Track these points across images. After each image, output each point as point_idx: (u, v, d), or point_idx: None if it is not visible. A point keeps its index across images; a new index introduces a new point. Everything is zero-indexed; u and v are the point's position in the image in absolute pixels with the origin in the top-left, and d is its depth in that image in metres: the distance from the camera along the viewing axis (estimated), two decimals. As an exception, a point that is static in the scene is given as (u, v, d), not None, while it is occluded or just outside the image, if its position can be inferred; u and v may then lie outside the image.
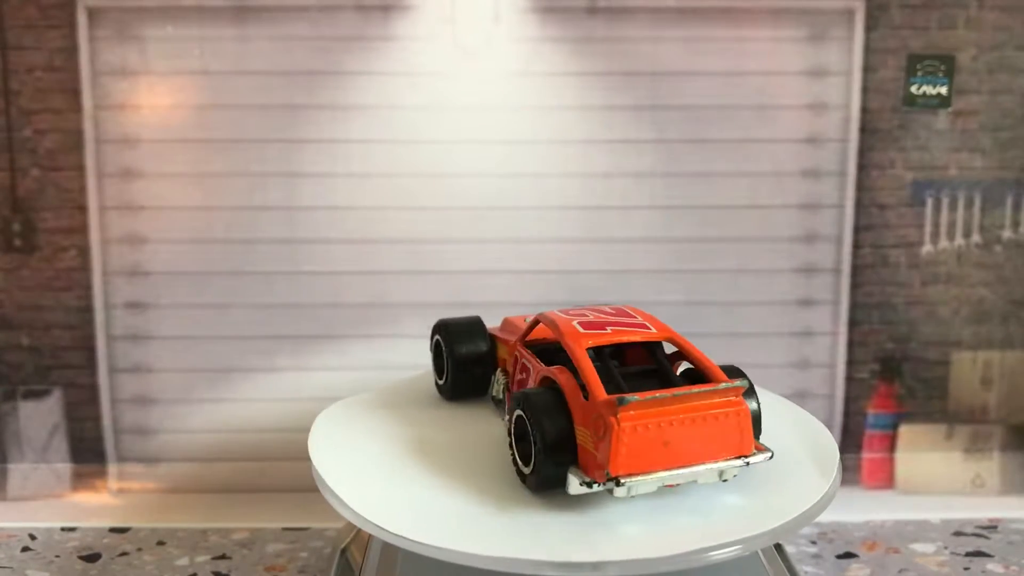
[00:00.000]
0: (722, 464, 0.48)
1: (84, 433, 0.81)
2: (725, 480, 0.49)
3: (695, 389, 0.48)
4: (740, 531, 0.46)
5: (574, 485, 0.47)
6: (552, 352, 0.55)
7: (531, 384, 0.54)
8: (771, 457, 0.49)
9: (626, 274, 0.80)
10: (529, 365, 0.55)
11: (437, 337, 0.62)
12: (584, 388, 0.48)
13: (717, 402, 0.48)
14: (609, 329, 0.52)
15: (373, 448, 0.55)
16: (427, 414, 0.60)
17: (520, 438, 0.50)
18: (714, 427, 0.47)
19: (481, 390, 0.60)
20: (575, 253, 0.80)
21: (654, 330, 0.53)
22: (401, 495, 0.50)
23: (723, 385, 0.48)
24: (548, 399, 0.49)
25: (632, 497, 0.47)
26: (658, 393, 0.46)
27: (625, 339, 0.52)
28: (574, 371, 0.50)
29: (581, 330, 0.52)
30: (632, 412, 0.45)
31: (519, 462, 0.50)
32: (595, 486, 0.47)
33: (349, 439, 0.56)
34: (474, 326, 0.61)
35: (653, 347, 0.54)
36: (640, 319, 0.54)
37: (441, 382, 0.61)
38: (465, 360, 0.60)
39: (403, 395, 0.63)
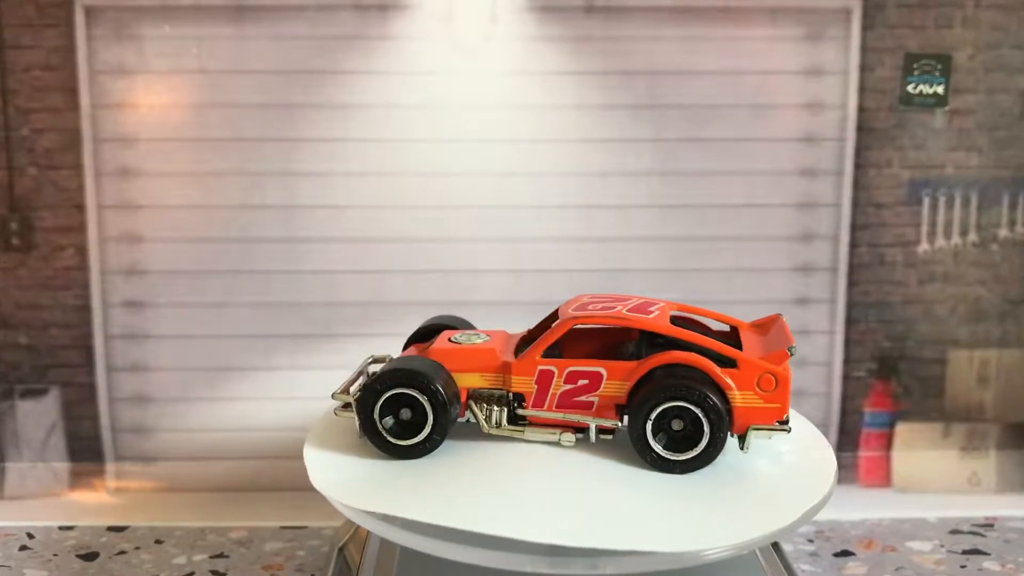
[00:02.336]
0: None
1: (82, 432, 0.81)
2: None
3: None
4: (738, 531, 0.46)
5: (753, 443, 0.52)
6: (561, 351, 0.56)
7: (604, 384, 0.54)
8: None
9: (624, 273, 0.80)
10: (593, 369, 0.54)
11: (398, 391, 0.53)
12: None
13: None
14: (654, 309, 0.56)
15: (371, 451, 0.55)
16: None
17: (657, 431, 0.52)
18: None
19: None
20: (573, 252, 0.80)
21: (663, 303, 0.58)
22: (400, 492, 0.50)
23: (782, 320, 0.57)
24: (704, 383, 0.52)
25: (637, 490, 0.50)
26: (794, 343, 0.53)
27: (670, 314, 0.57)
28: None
29: (645, 316, 0.55)
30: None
31: (665, 454, 0.52)
32: (769, 434, 0.52)
33: (344, 444, 0.56)
34: (438, 366, 0.54)
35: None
36: (639, 300, 0.58)
37: (412, 442, 0.53)
38: (452, 404, 0.53)
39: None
